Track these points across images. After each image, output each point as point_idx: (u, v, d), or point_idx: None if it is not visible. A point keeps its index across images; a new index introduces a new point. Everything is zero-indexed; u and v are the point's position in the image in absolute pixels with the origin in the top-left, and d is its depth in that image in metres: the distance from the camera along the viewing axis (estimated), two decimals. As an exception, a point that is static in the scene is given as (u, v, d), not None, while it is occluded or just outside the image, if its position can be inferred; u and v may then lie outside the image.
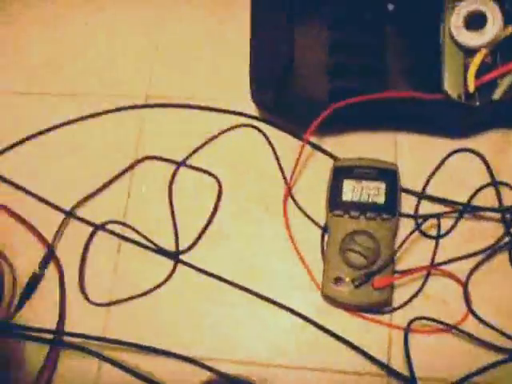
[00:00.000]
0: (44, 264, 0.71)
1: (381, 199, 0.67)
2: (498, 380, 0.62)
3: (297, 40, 0.71)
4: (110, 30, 0.86)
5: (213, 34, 0.83)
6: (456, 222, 0.68)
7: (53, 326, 0.68)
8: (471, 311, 0.64)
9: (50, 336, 0.67)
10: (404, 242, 0.66)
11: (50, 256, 0.72)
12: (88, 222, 0.73)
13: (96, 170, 0.76)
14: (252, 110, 0.76)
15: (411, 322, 0.64)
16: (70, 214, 0.73)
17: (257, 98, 0.72)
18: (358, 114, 0.71)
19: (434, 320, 0.63)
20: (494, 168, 0.70)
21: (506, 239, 0.67)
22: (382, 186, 0.67)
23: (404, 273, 0.66)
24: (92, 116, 0.79)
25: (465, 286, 0.65)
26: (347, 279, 0.64)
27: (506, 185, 0.69)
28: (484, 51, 0.66)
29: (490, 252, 0.66)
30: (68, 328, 0.68)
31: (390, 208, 0.66)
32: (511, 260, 0.66)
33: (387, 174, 0.68)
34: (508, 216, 0.67)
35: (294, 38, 0.71)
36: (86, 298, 0.69)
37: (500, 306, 0.65)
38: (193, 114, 0.78)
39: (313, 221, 0.70)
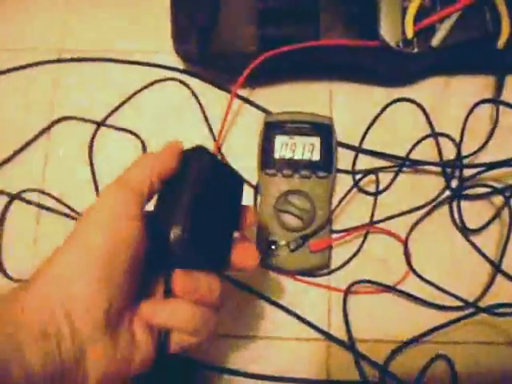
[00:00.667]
0: (-46, 239, 0.66)
1: (316, 156, 0.62)
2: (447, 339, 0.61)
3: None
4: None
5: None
6: (395, 177, 0.64)
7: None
8: (412, 269, 0.62)
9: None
10: (341, 201, 0.62)
11: (-39, 230, 0.66)
12: (2, 192, 0.66)
13: (7, 133, 0.69)
14: (176, 62, 0.70)
15: (350, 286, 0.61)
16: (-20, 184, 0.67)
17: (179, 48, 0.66)
18: (290, 64, 0.66)
19: (372, 282, 0.61)
20: (434, 118, 0.66)
21: (447, 193, 0.64)
22: (317, 141, 0.63)
23: (341, 234, 0.62)
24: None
25: (405, 243, 0.62)
26: (282, 243, 0.61)
27: (447, 136, 0.66)
28: (422, -7, 0.62)
29: (430, 208, 0.63)
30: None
31: (325, 165, 0.62)
32: (452, 215, 0.64)
33: (322, 129, 0.63)
34: (448, 169, 0.64)
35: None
36: (5, 275, 0.64)
37: (441, 262, 0.62)
38: (112, 68, 0.71)
39: (245, 180, 0.65)
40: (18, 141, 0.68)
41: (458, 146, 0.64)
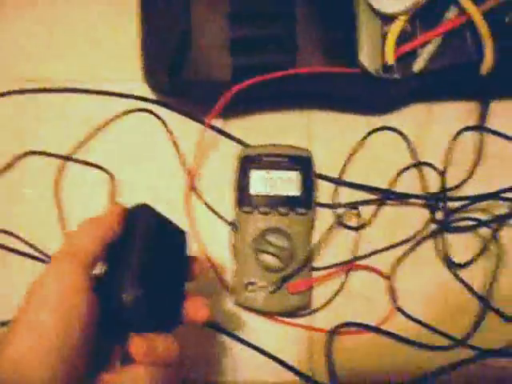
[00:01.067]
0: None
1: (294, 191, 0.59)
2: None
3: (193, 10, 0.61)
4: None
5: (100, 6, 0.71)
6: (377, 211, 0.62)
7: None
8: (397, 307, 0.59)
9: None
10: (320, 240, 0.59)
11: None
12: (-37, 233, 0.63)
13: (-32, 171, 0.66)
14: (146, 92, 0.66)
15: (333, 330, 0.58)
16: None
17: (149, 78, 0.63)
18: (267, 93, 0.62)
19: (357, 324, 0.58)
20: (417, 147, 0.63)
21: (432, 226, 0.61)
22: (295, 175, 0.60)
23: (322, 274, 0.59)
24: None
25: (389, 280, 0.60)
26: (261, 284, 0.58)
27: (430, 165, 0.63)
28: (403, 18, 0.59)
29: (415, 242, 0.61)
30: None
31: (304, 201, 0.59)
32: (437, 249, 0.61)
33: (300, 162, 0.60)
34: (432, 202, 0.62)
35: (189, 7, 0.61)
36: (-32, 321, 0.61)
37: (427, 298, 0.60)
38: (79, 98, 0.67)
39: (220, 216, 0.62)
40: (-20, 178, 0.64)
41: (442, 176, 0.62)
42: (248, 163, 0.60)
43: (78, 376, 0.36)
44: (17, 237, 0.62)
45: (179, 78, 0.61)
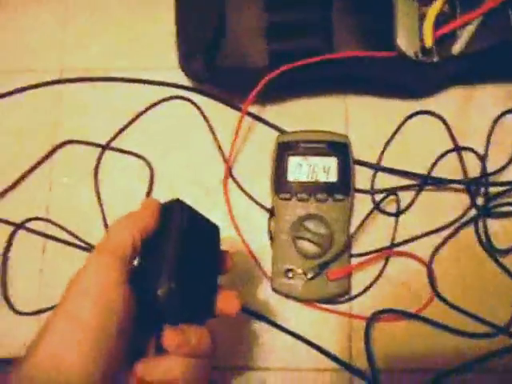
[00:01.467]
0: (-43, 272, 0.63)
1: (332, 177, 0.59)
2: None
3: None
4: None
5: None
6: (416, 197, 0.61)
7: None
8: (436, 294, 0.58)
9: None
10: (360, 225, 0.59)
11: (-36, 262, 0.64)
12: (6, 221, 0.64)
13: (9, 160, 0.66)
14: (182, 79, 0.66)
15: (372, 317, 0.57)
16: (-17, 214, 0.65)
17: (186, 66, 0.63)
18: (303, 78, 0.62)
19: (396, 311, 0.58)
20: (456, 131, 0.62)
21: (472, 212, 0.60)
22: (333, 161, 0.59)
23: (361, 260, 0.59)
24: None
25: (429, 266, 0.59)
26: (299, 271, 0.58)
27: (471, 150, 0.62)
28: (442, -2, 0.58)
29: (455, 228, 0.60)
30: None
31: (342, 187, 0.59)
32: (478, 235, 0.60)
33: (338, 148, 0.60)
34: (473, 187, 0.61)
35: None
36: (11, 307, 0.61)
37: (468, 285, 0.59)
38: (115, 87, 0.68)
39: (258, 203, 0.62)
40: (20, 167, 0.65)
41: (483, 161, 0.61)
42: (285, 150, 0.60)
43: (115, 368, 0.37)
44: (56, 224, 0.64)
45: (215, 64, 0.61)
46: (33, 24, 0.71)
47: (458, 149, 0.62)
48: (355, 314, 0.59)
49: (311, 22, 0.60)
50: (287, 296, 0.59)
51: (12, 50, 0.70)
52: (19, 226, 0.64)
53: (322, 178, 0.59)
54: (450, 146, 0.62)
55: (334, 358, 0.57)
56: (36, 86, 0.68)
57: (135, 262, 0.41)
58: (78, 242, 0.63)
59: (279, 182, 0.60)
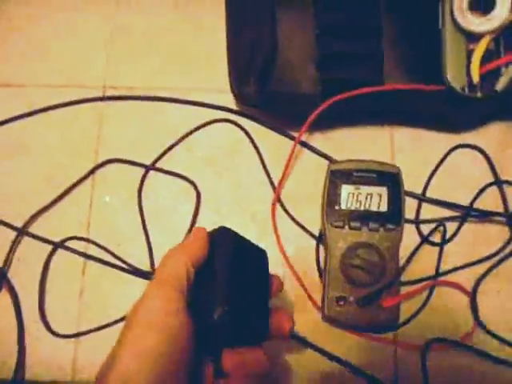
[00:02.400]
0: (-5, 291, 0.61)
1: (383, 207, 0.60)
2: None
3: (279, 23, 0.61)
4: (59, 8, 0.71)
5: (182, 13, 0.71)
6: (459, 227, 0.62)
7: (11, 366, 0.58)
8: (479, 324, 0.60)
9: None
10: (411, 256, 0.60)
11: (1, 281, 0.61)
12: (45, 240, 0.62)
13: (50, 176, 0.65)
14: (229, 102, 0.67)
15: (428, 344, 0.59)
16: (22, 232, 0.62)
17: (237, 89, 0.63)
18: (352, 108, 0.63)
19: (448, 341, 0.59)
20: (497, 165, 0.64)
21: (512, 245, 0.63)
22: (384, 191, 0.60)
23: (412, 289, 0.60)
24: (40, 111, 0.67)
25: (472, 296, 0.61)
26: (351, 298, 0.58)
27: (510, 183, 0.64)
28: (489, 37, 0.60)
29: (497, 259, 0.62)
30: (30, 368, 0.59)
31: (394, 217, 0.59)
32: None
33: (389, 178, 0.60)
34: (514, 221, 0.63)
35: (276, 20, 0.62)
36: (49, 330, 0.60)
37: (509, 316, 0.61)
38: (160, 107, 0.67)
39: (306, 230, 0.63)
40: (60, 185, 0.64)
41: (523, 195, 0.63)
42: (338, 178, 0.61)
43: None
44: (97, 244, 0.63)
45: (267, 89, 0.61)
46: (79, 39, 0.70)
47: (498, 182, 0.64)
48: (402, 342, 0.60)
49: (362, 51, 0.62)
50: (338, 323, 0.59)
51: (57, 64, 0.69)
52: (59, 245, 0.62)
53: (374, 207, 0.60)
54: (491, 179, 0.64)
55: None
56: (79, 102, 0.66)
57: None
58: (119, 263, 0.62)
59: (332, 209, 0.60)
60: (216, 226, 0.46)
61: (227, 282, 0.42)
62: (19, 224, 0.63)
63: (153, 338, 0.37)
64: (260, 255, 0.48)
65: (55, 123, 0.67)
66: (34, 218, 0.63)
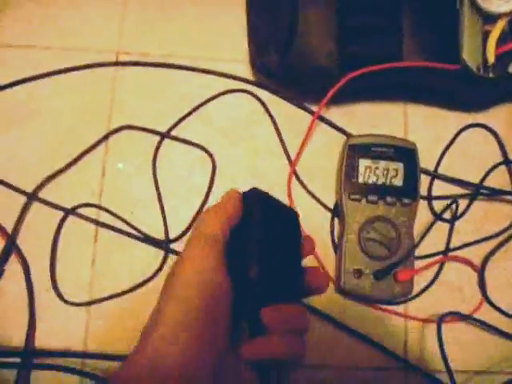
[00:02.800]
0: (4, 258, 0.59)
1: (399, 182, 0.61)
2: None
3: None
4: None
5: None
6: (470, 204, 0.64)
7: (21, 335, 0.57)
8: (487, 299, 0.62)
9: (17, 359, 0.56)
10: (427, 231, 0.61)
11: (11, 248, 0.59)
12: (56, 206, 0.61)
13: (62, 141, 0.63)
14: (247, 73, 0.66)
15: (442, 317, 0.60)
16: (32, 197, 0.60)
17: (258, 60, 0.63)
18: (369, 83, 0.63)
19: (461, 315, 0.60)
20: (507, 145, 0.66)
21: (521, 222, 0.65)
22: (400, 166, 0.61)
23: (426, 263, 0.61)
24: (52, 73, 0.64)
25: (480, 272, 0.62)
26: (367, 271, 0.59)
27: (519, 163, 0.66)
28: (506, 19, 0.61)
29: (505, 236, 0.63)
30: (41, 336, 0.58)
31: (410, 191, 0.61)
32: (526, 244, 0.64)
33: (406, 154, 0.61)
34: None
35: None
36: (61, 298, 0.59)
37: (515, 291, 0.63)
38: (176, 75, 0.65)
39: (321, 203, 0.63)
40: (72, 150, 0.62)
41: (531, 174, 0.65)
42: (356, 152, 0.61)
43: (223, 346, 0.39)
44: (109, 212, 0.61)
45: (287, 61, 0.61)
46: (92, 1, 0.67)
47: (508, 162, 0.65)
48: (411, 315, 0.61)
49: (382, 27, 0.62)
50: (354, 296, 0.60)
51: (69, 26, 0.66)
52: (70, 212, 0.61)
53: (391, 181, 0.61)
54: (501, 158, 0.66)
55: (399, 358, 0.60)
56: (91, 66, 0.64)
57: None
58: (132, 231, 0.61)
59: (350, 183, 0.61)
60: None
61: (261, 240, 0.42)
62: (29, 189, 0.61)
63: (196, 293, 0.38)
64: (292, 215, 0.48)
65: (66, 88, 0.64)
66: (44, 183, 0.61)
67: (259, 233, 0.42)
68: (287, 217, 0.47)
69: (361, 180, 0.61)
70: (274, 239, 0.43)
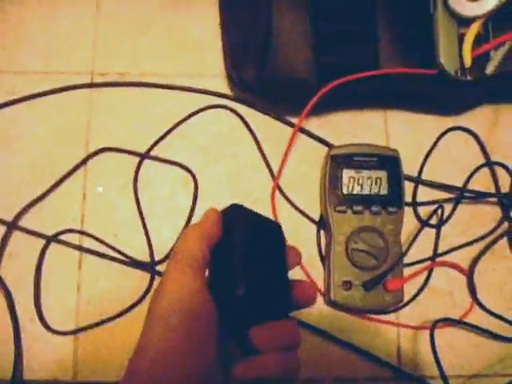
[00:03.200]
0: (-14, 290, 0.58)
1: (383, 190, 0.60)
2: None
3: (275, 8, 0.60)
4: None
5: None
6: (455, 208, 0.64)
7: (8, 367, 0.56)
8: (477, 302, 0.62)
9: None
10: (414, 238, 0.61)
11: (-7, 279, 0.59)
12: (37, 234, 0.60)
13: (40, 167, 0.62)
14: (224, 88, 0.65)
15: (435, 324, 0.59)
16: (12, 226, 0.59)
17: (235, 74, 0.62)
18: (347, 92, 0.63)
19: (453, 320, 0.60)
20: (488, 147, 0.66)
21: (505, 224, 0.64)
22: (384, 174, 0.61)
23: (415, 271, 0.61)
24: (27, 98, 0.63)
25: (469, 276, 0.62)
26: (357, 282, 0.59)
27: (501, 165, 0.65)
28: (480, 21, 0.61)
29: (491, 240, 0.63)
30: (28, 367, 0.57)
31: (395, 199, 0.60)
32: (510, 245, 0.64)
33: (389, 162, 0.61)
34: (505, 200, 0.65)
35: (271, 5, 0.60)
36: (47, 327, 0.58)
37: (505, 293, 0.63)
38: (153, 94, 0.65)
39: (306, 216, 0.63)
40: (51, 176, 0.61)
41: (512, 176, 0.65)
42: (338, 163, 0.61)
43: (211, 369, 0.38)
44: (92, 236, 0.60)
45: (264, 73, 0.60)
46: (63, 24, 0.66)
47: (490, 164, 0.65)
48: (403, 323, 0.61)
49: (358, 34, 0.62)
50: (342, 307, 0.60)
51: (42, 50, 0.65)
52: (52, 239, 0.60)
53: (375, 190, 0.60)
54: (483, 160, 0.66)
55: (393, 367, 0.59)
56: (66, 89, 0.63)
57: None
58: (117, 255, 0.60)
59: (334, 194, 0.60)
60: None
61: (244, 256, 0.41)
62: (9, 218, 0.59)
63: (177, 317, 0.37)
64: (275, 228, 0.46)
65: (43, 112, 0.63)
66: (24, 211, 0.60)
67: (242, 249, 0.41)
68: (270, 229, 0.46)
69: (345, 191, 0.60)
70: (257, 254, 0.42)
